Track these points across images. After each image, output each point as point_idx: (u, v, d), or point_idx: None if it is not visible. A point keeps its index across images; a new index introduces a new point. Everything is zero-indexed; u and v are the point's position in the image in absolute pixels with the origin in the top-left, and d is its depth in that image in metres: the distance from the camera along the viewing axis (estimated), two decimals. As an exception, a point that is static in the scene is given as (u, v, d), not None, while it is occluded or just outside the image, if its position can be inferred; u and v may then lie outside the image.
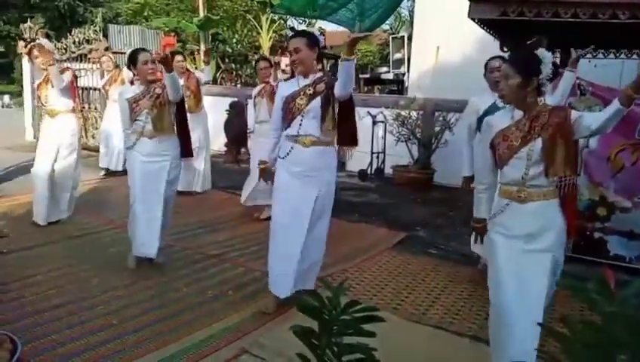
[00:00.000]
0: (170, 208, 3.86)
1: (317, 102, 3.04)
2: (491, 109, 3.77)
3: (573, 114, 2.27)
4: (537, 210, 2.32)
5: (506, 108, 2.47)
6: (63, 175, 4.75)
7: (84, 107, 9.23)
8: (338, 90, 2.97)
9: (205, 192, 6.41)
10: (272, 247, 3.19)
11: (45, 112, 4.83)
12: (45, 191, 4.66)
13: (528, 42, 4.49)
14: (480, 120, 3.84)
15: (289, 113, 3.09)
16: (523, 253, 2.31)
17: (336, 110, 3.13)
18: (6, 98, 20.81)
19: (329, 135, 3.13)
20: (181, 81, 6.10)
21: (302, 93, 3.06)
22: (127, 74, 6.74)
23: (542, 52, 2.30)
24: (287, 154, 3.12)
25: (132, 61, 3.72)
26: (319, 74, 3.13)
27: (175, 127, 3.85)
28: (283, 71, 6.71)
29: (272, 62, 5.33)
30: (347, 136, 3.25)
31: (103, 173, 7.20)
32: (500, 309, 2.33)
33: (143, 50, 3.87)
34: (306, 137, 3.06)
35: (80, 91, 9.28)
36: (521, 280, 2.29)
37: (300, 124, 3.05)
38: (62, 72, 4.70)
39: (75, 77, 4.91)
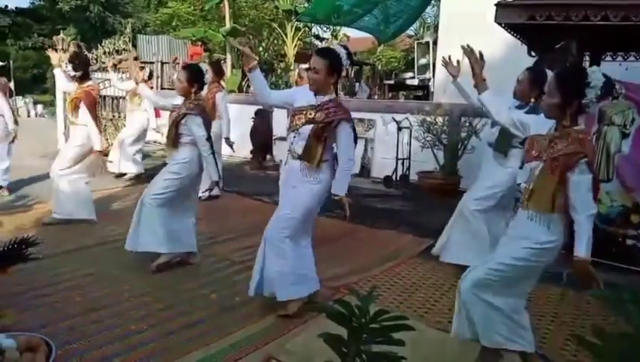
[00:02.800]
0: (151, 214, 3.83)
1: (308, 128, 3.05)
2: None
3: (574, 175, 2.18)
4: (530, 216, 2.34)
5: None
6: None
7: (114, 116, 9.49)
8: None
9: (218, 196, 6.41)
10: None
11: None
12: None
13: (557, 46, 4.42)
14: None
15: (290, 125, 3.20)
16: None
17: (327, 145, 3.10)
18: (39, 107, 21.46)
19: (315, 156, 3.07)
20: (204, 92, 6.24)
21: (305, 112, 3.10)
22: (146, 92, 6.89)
23: (593, 73, 2.18)
24: (285, 163, 3.26)
25: None
26: (328, 97, 3.09)
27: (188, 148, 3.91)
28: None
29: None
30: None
31: (127, 179, 7.34)
32: None
33: (184, 66, 4.11)
34: (294, 152, 3.14)
35: (110, 100, 9.59)
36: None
37: (293, 140, 3.14)
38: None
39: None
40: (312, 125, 3.04)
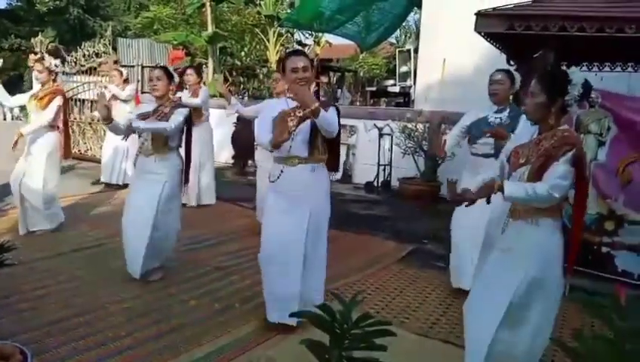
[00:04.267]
0: (166, 229, 3.78)
1: (306, 125, 2.95)
2: (476, 123, 3.74)
3: (555, 165, 2.20)
4: (520, 228, 2.33)
5: (530, 125, 2.44)
6: None
7: (92, 119, 9.34)
8: (323, 133, 2.94)
9: (210, 205, 6.40)
10: (266, 279, 3.10)
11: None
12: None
13: (535, 55, 4.50)
14: (469, 131, 3.82)
15: None
16: (498, 265, 2.40)
17: (324, 140, 3.07)
18: (16, 110, 21.07)
19: (319, 155, 3.06)
20: (188, 95, 6.21)
21: (293, 113, 2.97)
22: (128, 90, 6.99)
23: (573, 72, 2.27)
24: (278, 177, 3.04)
25: None
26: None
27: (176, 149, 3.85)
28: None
29: None
30: (330, 162, 3.20)
31: (101, 186, 7.23)
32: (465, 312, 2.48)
33: (157, 66, 3.94)
34: (294, 158, 3.00)
35: (89, 104, 9.45)
36: (487, 289, 2.38)
37: (290, 146, 2.95)
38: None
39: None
40: (307, 120, 2.93)
